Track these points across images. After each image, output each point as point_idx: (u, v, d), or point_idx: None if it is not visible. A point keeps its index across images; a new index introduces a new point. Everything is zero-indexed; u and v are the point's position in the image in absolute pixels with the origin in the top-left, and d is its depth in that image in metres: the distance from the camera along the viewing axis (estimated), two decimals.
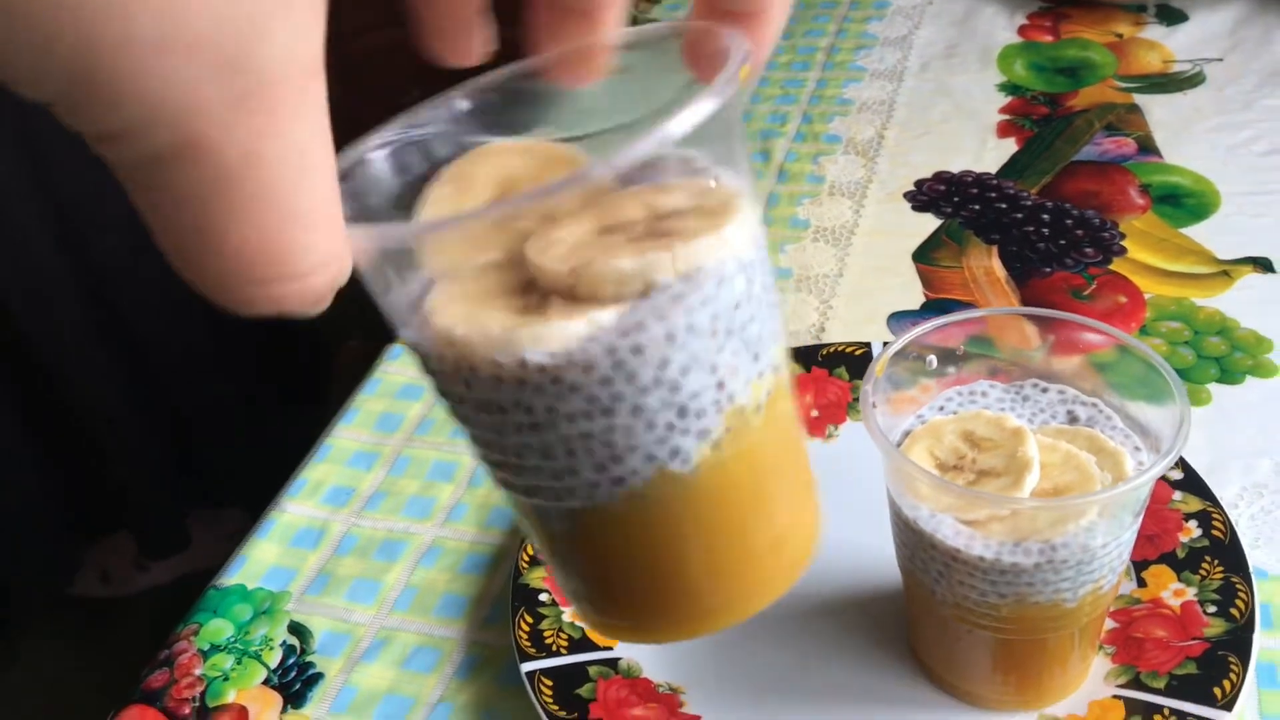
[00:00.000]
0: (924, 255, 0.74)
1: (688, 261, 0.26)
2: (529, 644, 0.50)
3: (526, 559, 0.54)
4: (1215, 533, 0.50)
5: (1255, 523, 0.53)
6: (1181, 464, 0.53)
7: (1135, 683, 0.46)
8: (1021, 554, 0.40)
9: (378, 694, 0.52)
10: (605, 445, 0.27)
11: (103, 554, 1.33)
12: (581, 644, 0.50)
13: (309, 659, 0.54)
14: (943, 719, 0.47)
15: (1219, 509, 0.51)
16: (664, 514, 0.28)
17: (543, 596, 0.52)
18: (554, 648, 0.50)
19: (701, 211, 0.27)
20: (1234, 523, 0.50)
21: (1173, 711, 0.44)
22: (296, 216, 0.21)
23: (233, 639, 0.55)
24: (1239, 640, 0.45)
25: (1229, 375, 0.61)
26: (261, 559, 0.59)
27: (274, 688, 0.53)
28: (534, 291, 0.26)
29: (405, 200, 0.29)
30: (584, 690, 0.48)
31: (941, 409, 0.47)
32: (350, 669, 0.53)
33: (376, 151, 0.29)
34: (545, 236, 0.27)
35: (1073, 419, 0.45)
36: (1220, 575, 0.48)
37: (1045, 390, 0.47)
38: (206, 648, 0.55)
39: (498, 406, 0.26)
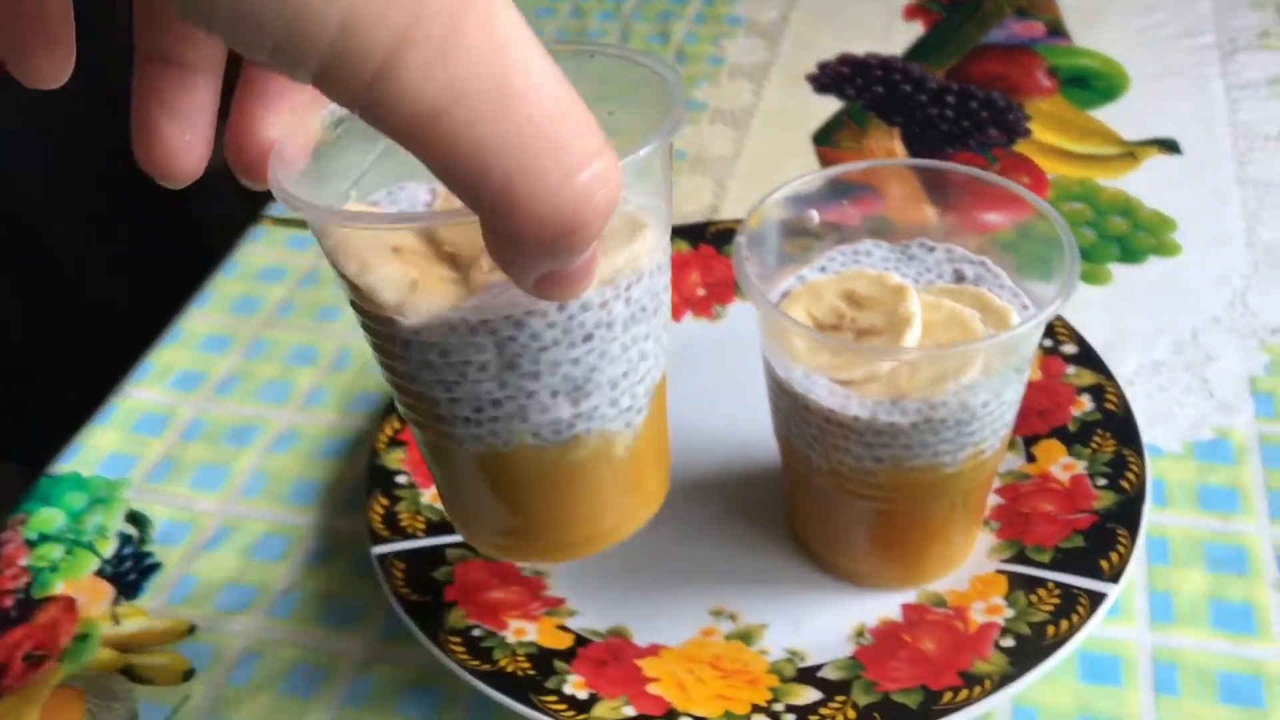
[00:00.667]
0: (825, 138, 0.71)
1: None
2: (382, 526, 0.46)
3: (384, 440, 0.50)
4: (1109, 406, 0.47)
5: (1152, 400, 0.51)
6: (1076, 338, 0.50)
7: (1020, 557, 0.43)
8: (899, 413, 0.37)
9: (219, 583, 0.48)
10: (492, 403, 0.30)
11: None
12: (440, 527, 0.47)
13: (147, 549, 0.50)
14: (821, 598, 0.44)
15: (1113, 382, 0.48)
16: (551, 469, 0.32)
17: (400, 479, 0.48)
18: (410, 530, 0.46)
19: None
20: (1129, 400, 0.48)
21: (1057, 585, 0.41)
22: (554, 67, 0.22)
23: (64, 528, 0.51)
24: (1128, 512, 0.43)
25: (1131, 254, 0.59)
26: (99, 445, 0.54)
27: (107, 578, 0.49)
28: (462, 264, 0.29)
29: None
30: (440, 573, 0.45)
31: (823, 269, 0.43)
32: (191, 559, 0.49)
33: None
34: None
35: (959, 278, 0.42)
36: (1112, 449, 0.46)
37: (932, 249, 0.43)
38: (35, 537, 0.50)
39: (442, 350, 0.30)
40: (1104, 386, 0.48)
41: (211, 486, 0.52)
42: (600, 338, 0.30)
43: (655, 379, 0.33)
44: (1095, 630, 0.40)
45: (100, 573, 0.49)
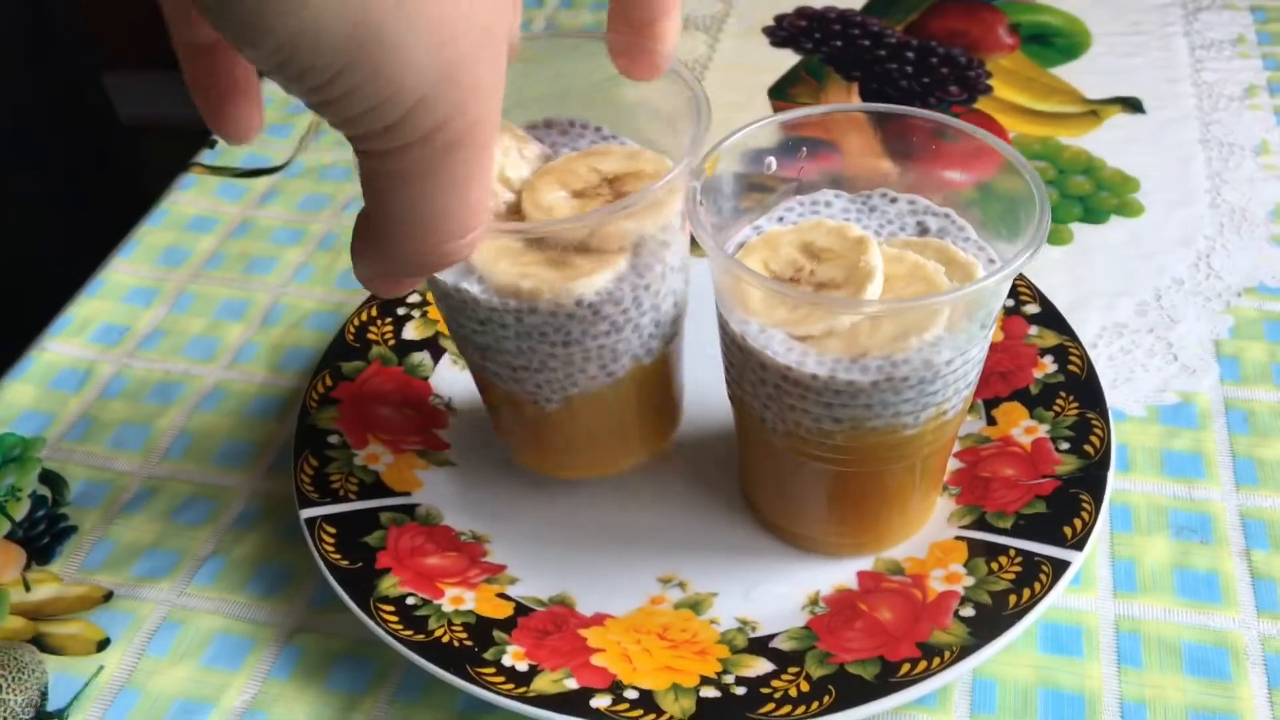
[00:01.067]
0: (780, 92, 0.68)
1: (664, 219, 0.37)
2: (311, 489, 0.44)
3: (316, 398, 0.47)
4: (1072, 368, 0.46)
5: (1114, 363, 0.50)
6: (1039, 298, 0.49)
7: (980, 523, 0.41)
8: (859, 371, 0.35)
9: (139, 548, 0.45)
10: (611, 352, 0.38)
11: None
12: (374, 489, 0.44)
13: (62, 511, 0.47)
14: (774, 565, 0.42)
15: (1077, 344, 0.47)
16: (627, 390, 0.41)
17: (332, 439, 0.46)
18: (341, 493, 0.44)
19: (642, 175, 0.38)
20: (1093, 362, 0.46)
21: (1019, 552, 0.40)
22: (489, 182, 0.29)
23: None
24: (1092, 478, 0.41)
25: (1093, 214, 0.57)
26: (14, 402, 0.51)
27: (18, 541, 0.46)
28: (549, 247, 0.37)
29: None
30: (372, 538, 0.42)
31: (781, 220, 0.41)
32: (109, 522, 0.46)
33: None
34: (538, 204, 0.37)
35: (923, 230, 0.40)
36: (1075, 412, 0.44)
37: (894, 200, 0.41)
38: None
39: (539, 333, 0.37)
40: (1067, 348, 0.47)
41: (132, 446, 0.49)
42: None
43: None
44: (1057, 600, 0.39)
45: (11, 536, 0.46)
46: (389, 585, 0.40)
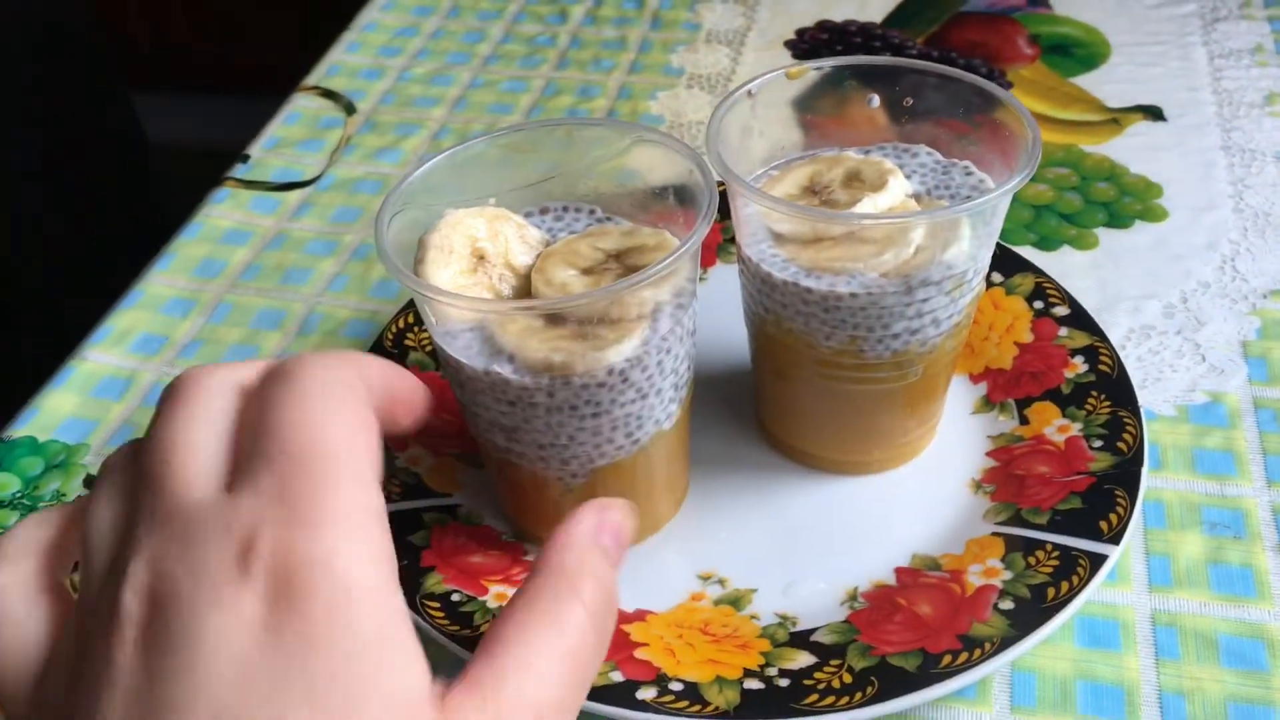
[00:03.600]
0: (804, 104, 0.69)
1: (677, 284, 0.38)
2: None
3: None
4: (1102, 368, 0.46)
5: (1143, 364, 0.50)
6: (1068, 300, 0.49)
7: (1016, 519, 0.42)
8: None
9: None
10: (637, 420, 0.39)
11: None
12: (416, 490, 0.45)
13: None
14: (811, 562, 0.42)
15: (1106, 344, 0.47)
16: (650, 459, 0.41)
17: None
18: (385, 494, 0.44)
19: (645, 248, 0.39)
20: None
21: (1055, 547, 0.40)
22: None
23: (19, 494, 0.48)
24: (1126, 474, 0.42)
25: (1117, 220, 0.58)
26: (56, 410, 0.52)
27: None
28: (570, 323, 0.37)
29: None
30: (416, 537, 0.43)
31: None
32: None
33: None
34: (550, 282, 0.38)
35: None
36: (1107, 410, 0.45)
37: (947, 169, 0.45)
38: None
39: (570, 406, 0.37)
40: (1097, 348, 0.47)
41: None
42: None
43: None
44: (1093, 594, 0.39)
45: None
46: (434, 583, 0.41)
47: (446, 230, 0.39)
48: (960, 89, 0.42)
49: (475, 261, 0.39)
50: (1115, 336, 0.51)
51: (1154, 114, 0.65)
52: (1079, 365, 0.47)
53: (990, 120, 0.42)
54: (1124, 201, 0.59)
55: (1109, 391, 0.45)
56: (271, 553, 0.24)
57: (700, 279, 0.56)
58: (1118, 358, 0.47)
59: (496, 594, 0.41)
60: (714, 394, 0.49)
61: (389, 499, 0.43)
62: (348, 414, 0.27)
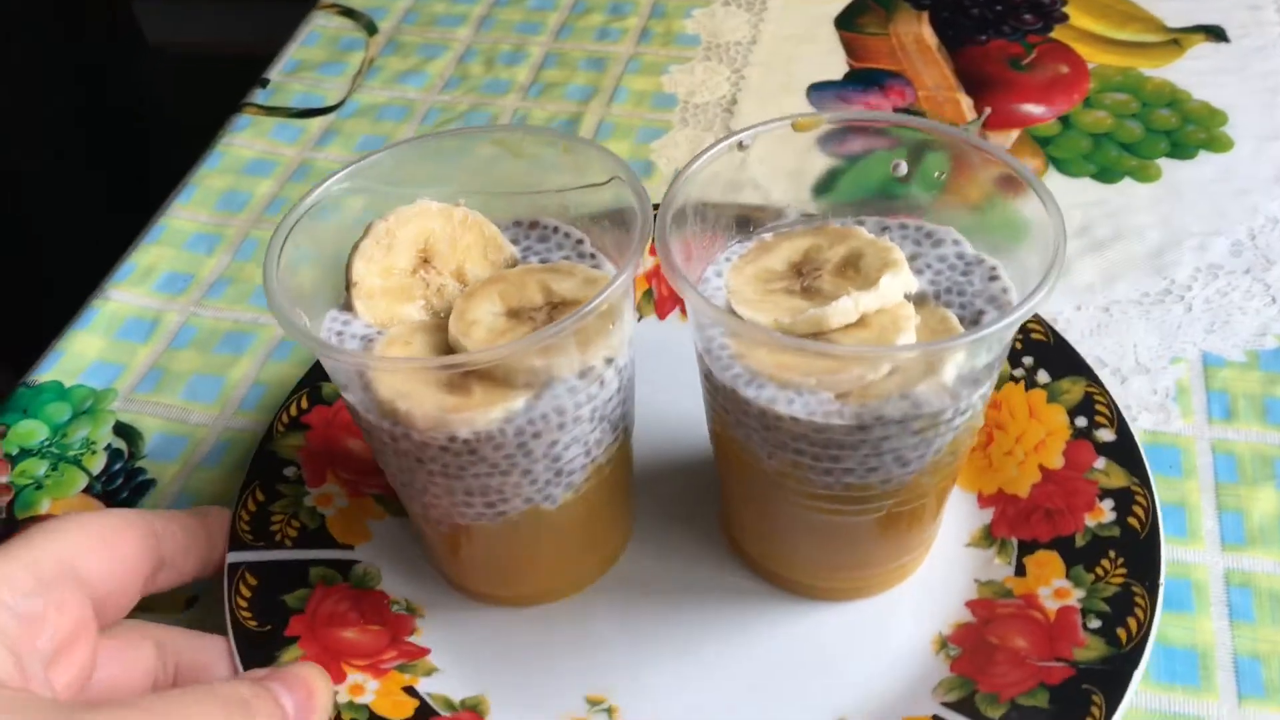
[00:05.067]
0: (848, 21, 0.66)
1: (584, 362, 0.33)
2: (247, 529, 0.40)
3: (285, 421, 0.44)
4: (1132, 521, 0.39)
5: (1210, 306, 0.48)
6: (1117, 422, 0.41)
7: (967, 705, 0.35)
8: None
9: (221, 502, 0.44)
10: (498, 492, 0.35)
11: None
12: (314, 537, 0.41)
13: (139, 464, 0.46)
14: (761, 607, 0.39)
15: (1146, 491, 0.39)
16: (528, 532, 0.37)
17: (288, 471, 0.42)
18: (278, 537, 0.40)
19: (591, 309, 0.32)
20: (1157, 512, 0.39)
21: None
22: None
23: (47, 442, 0.47)
24: (1114, 674, 0.35)
25: (1180, 149, 0.56)
26: (82, 353, 0.50)
27: (97, 496, 0.45)
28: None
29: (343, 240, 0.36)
30: (292, 598, 0.39)
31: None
32: (188, 475, 0.46)
33: (321, 194, 0.36)
34: (463, 315, 0.34)
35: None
36: (1120, 579, 0.37)
37: (939, 244, 0.37)
38: (15, 452, 0.47)
39: (417, 459, 0.34)
40: (1134, 493, 0.39)
41: (206, 398, 0.48)
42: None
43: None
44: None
45: (90, 490, 0.45)
46: (292, 657, 0.37)
47: (397, 221, 0.36)
48: (989, 168, 0.35)
49: (418, 262, 0.36)
50: (1181, 276, 0.49)
51: (1216, 34, 0.62)
52: (1105, 512, 0.39)
53: (1018, 218, 0.34)
54: (1187, 130, 0.56)
55: (1130, 555, 0.38)
56: None
57: None
58: (1155, 511, 0.39)
59: (352, 685, 0.36)
60: (674, 478, 0.43)
61: (280, 544, 0.40)
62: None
